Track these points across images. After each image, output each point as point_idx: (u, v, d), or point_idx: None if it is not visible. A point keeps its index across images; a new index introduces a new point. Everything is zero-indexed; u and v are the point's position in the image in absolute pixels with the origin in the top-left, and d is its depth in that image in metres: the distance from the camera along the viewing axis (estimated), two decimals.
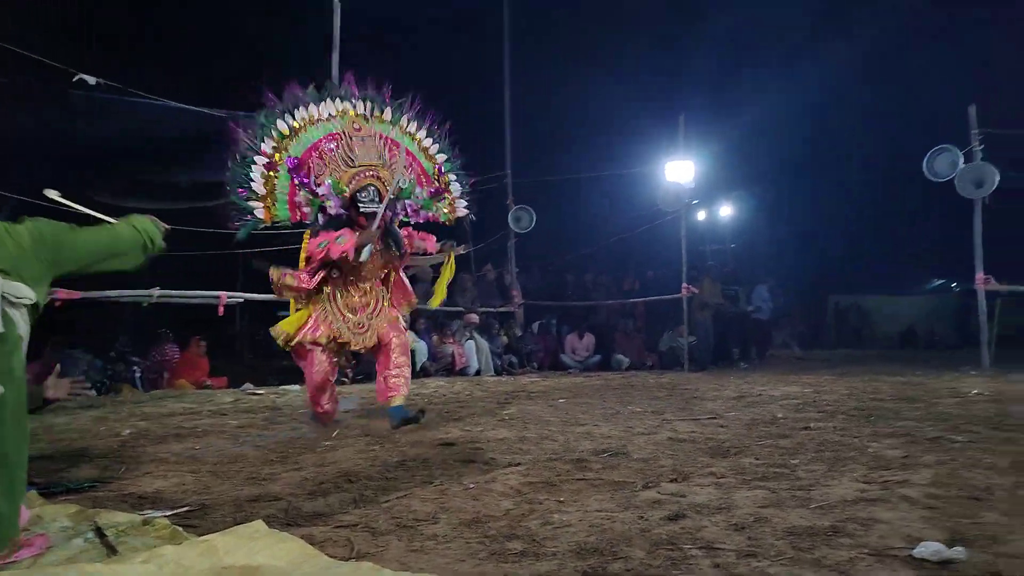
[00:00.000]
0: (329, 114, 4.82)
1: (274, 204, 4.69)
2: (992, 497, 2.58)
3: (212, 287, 7.94)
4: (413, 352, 9.37)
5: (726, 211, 18.01)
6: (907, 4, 14.08)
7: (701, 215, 16.76)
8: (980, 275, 9.57)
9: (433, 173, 5.23)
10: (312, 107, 4.78)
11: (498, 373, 9.95)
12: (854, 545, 2.04)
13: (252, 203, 4.65)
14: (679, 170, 10.78)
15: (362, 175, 4.71)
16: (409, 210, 5.08)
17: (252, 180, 4.63)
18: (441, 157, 5.25)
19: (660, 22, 14.67)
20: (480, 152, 12.64)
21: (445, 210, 5.32)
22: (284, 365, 7.83)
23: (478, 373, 9.80)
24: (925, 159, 9.77)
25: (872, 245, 20.20)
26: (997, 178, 9.28)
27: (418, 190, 5.08)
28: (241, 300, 8.35)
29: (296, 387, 7.59)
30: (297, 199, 4.74)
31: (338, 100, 4.87)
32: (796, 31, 14.29)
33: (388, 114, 5.03)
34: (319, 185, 4.70)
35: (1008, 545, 2.00)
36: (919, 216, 18.15)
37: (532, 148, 12.55)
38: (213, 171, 5.28)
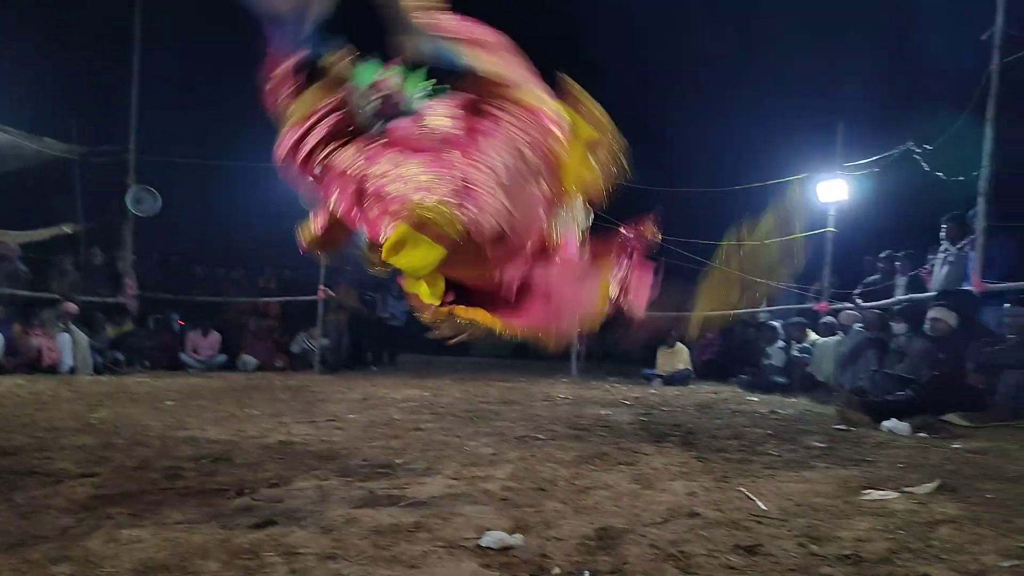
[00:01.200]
0: None
1: None
2: (555, 488, 2.95)
3: None
4: None
5: None
6: None
7: None
8: None
9: None
10: None
11: (98, 372, 8.70)
12: (431, 539, 2.14)
13: None
14: None
15: None
16: None
17: None
18: None
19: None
20: (99, 119, 11.04)
21: None
22: None
23: (72, 371, 8.46)
24: None
25: None
26: None
27: None
28: None
29: None
30: None
31: None
32: None
33: None
34: None
35: (558, 529, 2.29)
36: None
37: (167, 124, 11.28)
38: None
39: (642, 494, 2.86)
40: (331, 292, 10.63)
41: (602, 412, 5.98)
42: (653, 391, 8.60)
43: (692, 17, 13.68)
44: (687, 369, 9.89)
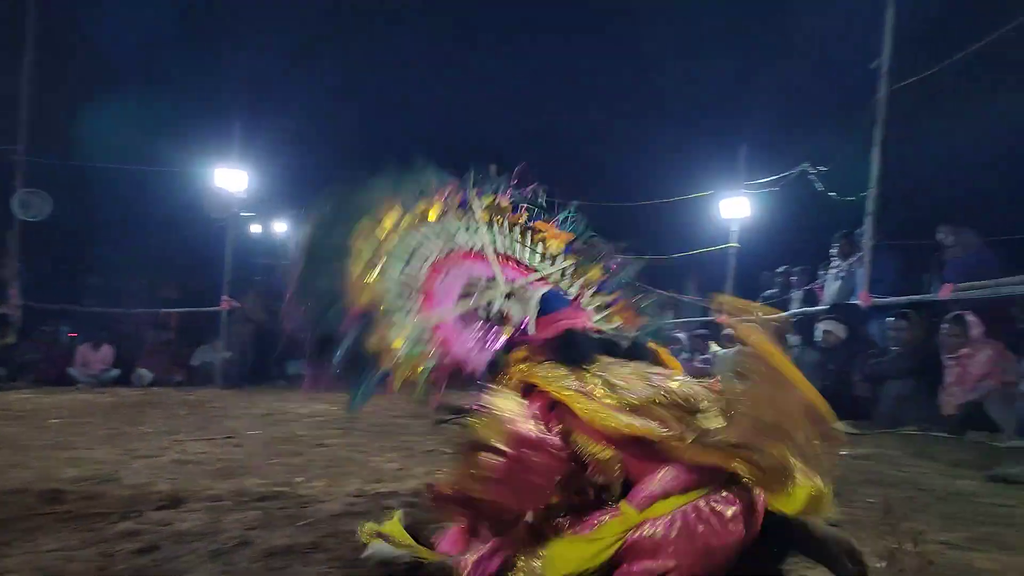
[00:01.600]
0: None
1: None
2: None
3: None
4: None
5: (282, 227, 17.82)
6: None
7: (256, 228, 16.28)
8: None
9: None
10: None
11: None
12: (327, 559, 2.09)
13: None
14: (230, 177, 10.31)
15: None
16: None
17: None
18: None
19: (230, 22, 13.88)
20: None
21: None
22: None
23: None
24: None
25: None
26: None
27: None
28: None
29: None
30: None
31: None
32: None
33: None
34: None
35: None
36: None
37: (58, 124, 10.67)
38: None
39: None
40: (236, 303, 10.27)
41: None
42: None
43: (605, 42, 14.08)
44: None
